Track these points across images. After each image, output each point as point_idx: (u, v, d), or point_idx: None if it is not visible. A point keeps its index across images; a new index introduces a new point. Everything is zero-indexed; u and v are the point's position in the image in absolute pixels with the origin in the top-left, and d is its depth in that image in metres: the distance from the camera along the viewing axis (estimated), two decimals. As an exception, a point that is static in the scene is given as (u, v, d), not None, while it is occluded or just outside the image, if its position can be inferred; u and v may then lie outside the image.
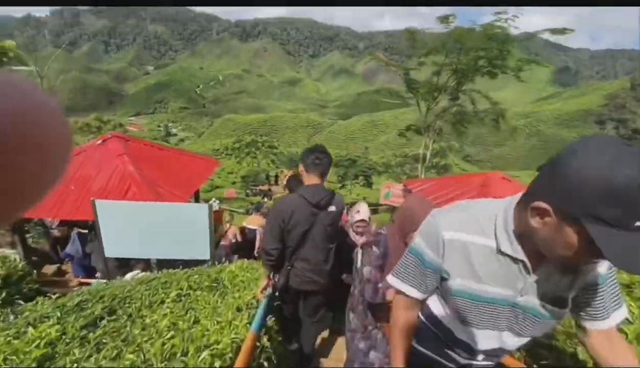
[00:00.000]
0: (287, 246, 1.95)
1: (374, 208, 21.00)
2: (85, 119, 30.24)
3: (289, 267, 1.98)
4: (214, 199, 17.44)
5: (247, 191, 25.63)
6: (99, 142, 4.22)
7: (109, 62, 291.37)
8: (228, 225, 6.24)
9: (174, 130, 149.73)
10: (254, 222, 10.18)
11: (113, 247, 3.06)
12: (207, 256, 3.15)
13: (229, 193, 19.26)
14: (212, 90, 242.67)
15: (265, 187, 26.11)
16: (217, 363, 1.26)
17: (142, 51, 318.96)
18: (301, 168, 1.99)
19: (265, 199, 22.55)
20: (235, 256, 4.22)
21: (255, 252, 5.07)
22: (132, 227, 3.02)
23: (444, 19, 9.41)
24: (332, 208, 1.97)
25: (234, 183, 29.11)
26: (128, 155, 4.02)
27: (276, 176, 30.98)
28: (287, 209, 1.88)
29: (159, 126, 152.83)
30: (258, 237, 5.24)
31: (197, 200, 5.84)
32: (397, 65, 10.80)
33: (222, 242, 4.44)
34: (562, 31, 9.58)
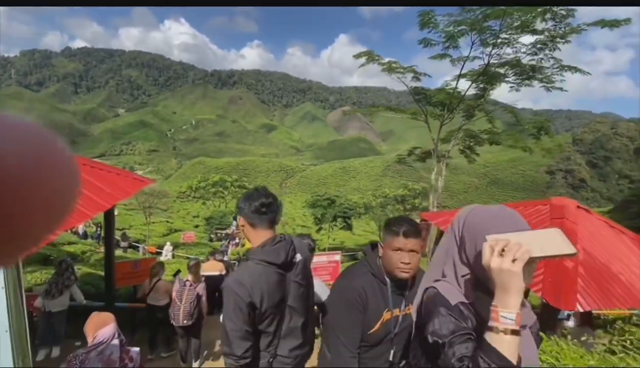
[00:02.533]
0: (262, 332, 1.43)
1: (352, 254, 19.18)
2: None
3: (270, 359, 1.44)
4: (168, 244, 14.84)
5: (211, 235, 22.99)
6: None
7: (78, 103, 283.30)
8: (156, 280, 4.29)
9: (139, 173, 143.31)
10: (213, 268, 8.00)
11: None
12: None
13: (186, 236, 16.69)
14: (184, 134, 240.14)
15: (230, 231, 23.63)
16: None
17: (114, 94, 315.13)
18: (242, 222, 1.50)
19: (230, 246, 20.04)
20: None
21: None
22: None
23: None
24: (298, 257, 1.53)
25: (196, 226, 26.36)
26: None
27: (245, 219, 28.63)
28: (256, 286, 1.36)
29: (123, 168, 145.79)
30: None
31: (108, 238, 3.93)
32: (407, 68, 8.47)
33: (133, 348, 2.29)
34: (615, 23, 7.61)
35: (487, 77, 6.99)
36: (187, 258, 15.33)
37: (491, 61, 6.98)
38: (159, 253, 14.95)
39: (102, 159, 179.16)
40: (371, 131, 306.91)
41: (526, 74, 7.03)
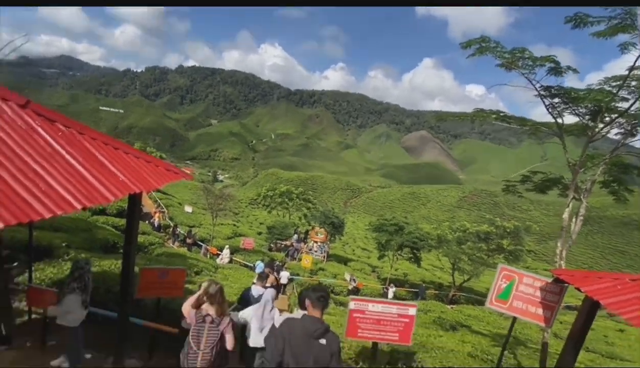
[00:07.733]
0: None
1: (415, 291, 16.56)
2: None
3: None
4: (226, 247, 14.82)
5: (271, 244, 22.90)
6: None
7: (182, 112, 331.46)
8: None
9: (220, 177, 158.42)
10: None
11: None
12: None
13: (246, 243, 16.52)
14: (263, 146, 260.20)
15: (289, 242, 23.20)
16: None
17: (211, 106, 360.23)
18: (308, 302, 2.34)
19: (287, 259, 19.50)
20: None
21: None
22: None
23: None
24: (323, 341, 2.17)
25: (259, 233, 26.77)
26: None
27: (306, 232, 28.18)
28: (285, 333, 2.20)
29: (209, 171, 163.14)
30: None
31: (128, 237, 3.25)
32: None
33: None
34: None
35: None
36: (245, 265, 15.11)
37: None
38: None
39: (193, 161, 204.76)
40: (449, 158, 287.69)
41: None
